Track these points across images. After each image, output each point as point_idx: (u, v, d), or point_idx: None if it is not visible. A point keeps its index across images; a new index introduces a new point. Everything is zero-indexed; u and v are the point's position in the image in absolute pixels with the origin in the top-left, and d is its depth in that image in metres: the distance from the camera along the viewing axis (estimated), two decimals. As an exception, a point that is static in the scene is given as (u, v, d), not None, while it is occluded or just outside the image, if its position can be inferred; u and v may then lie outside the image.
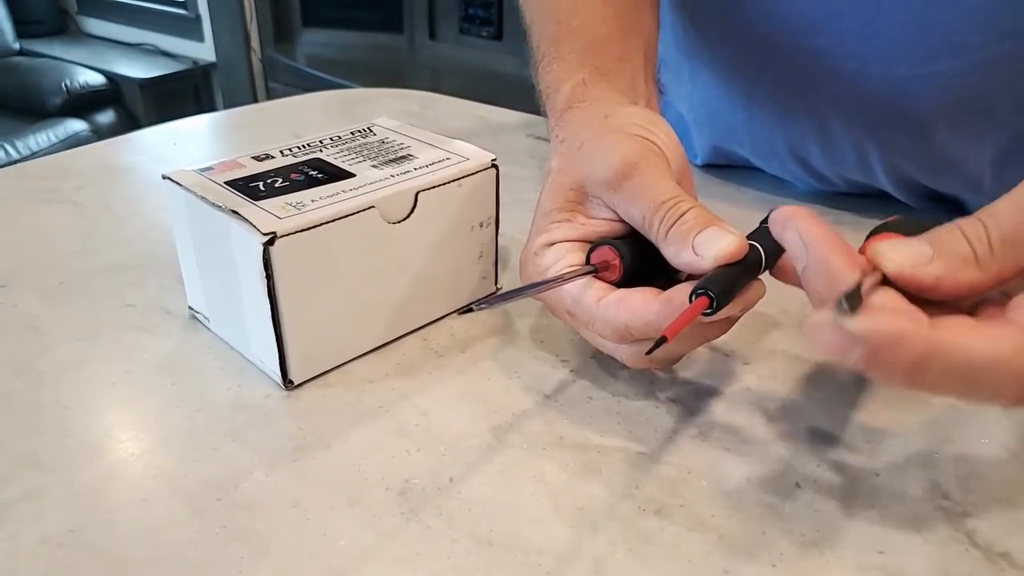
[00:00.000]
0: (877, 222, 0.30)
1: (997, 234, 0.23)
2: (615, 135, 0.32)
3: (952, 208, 0.50)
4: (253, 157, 0.37)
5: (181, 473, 0.29)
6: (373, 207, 0.33)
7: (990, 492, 0.29)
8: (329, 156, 0.37)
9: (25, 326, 0.38)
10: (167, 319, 0.38)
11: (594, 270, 0.31)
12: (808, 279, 0.25)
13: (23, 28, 2.75)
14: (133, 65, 2.64)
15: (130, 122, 2.55)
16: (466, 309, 0.27)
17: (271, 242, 0.30)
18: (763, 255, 0.29)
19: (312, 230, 0.31)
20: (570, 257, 0.31)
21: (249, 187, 0.34)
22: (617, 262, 0.30)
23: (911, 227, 0.27)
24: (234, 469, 0.29)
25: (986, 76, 0.42)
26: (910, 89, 0.43)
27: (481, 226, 0.38)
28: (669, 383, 0.34)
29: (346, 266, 0.33)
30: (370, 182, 0.34)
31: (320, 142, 0.39)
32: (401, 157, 0.37)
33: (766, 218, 0.32)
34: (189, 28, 2.70)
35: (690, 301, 0.27)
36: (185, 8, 2.68)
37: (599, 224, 0.32)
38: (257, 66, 2.57)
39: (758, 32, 0.45)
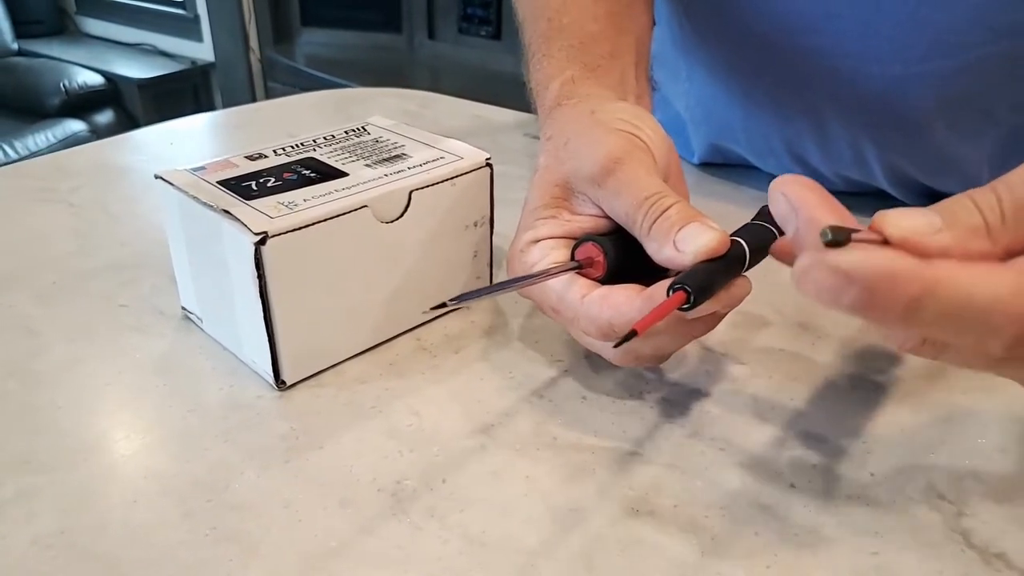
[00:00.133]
0: None
1: (1010, 203, 0.22)
2: (600, 130, 0.32)
3: None
4: (246, 156, 0.37)
5: (172, 474, 0.29)
6: (366, 206, 0.33)
7: (986, 492, 0.29)
8: (322, 155, 0.37)
9: (19, 326, 0.37)
10: (160, 319, 0.38)
11: (578, 266, 0.31)
12: (799, 245, 0.24)
13: (22, 28, 2.75)
14: (132, 65, 2.64)
15: (129, 122, 2.55)
16: (440, 305, 0.26)
17: (263, 242, 0.30)
18: (747, 251, 0.29)
19: (304, 229, 0.31)
20: (555, 254, 0.31)
21: (241, 187, 0.33)
22: (601, 258, 0.30)
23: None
24: (225, 470, 0.29)
25: (982, 75, 0.42)
26: (907, 88, 0.43)
27: (475, 225, 0.38)
28: (663, 383, 0.34)
29: (339, 266, 0.33)
30: (363, 181, 0.34)
31: (314, 141, 0.39)
32: (395, 156, 0.37)
33: (757, 214, 0.32)
34: (188, 28, 2.70)
35: (667, 296, 0.27)
36: (184, 8, 2.68)
37: (585, 220, 0.32)
38: (256, 66, 2.57)
39: (755, 31, 0.45)
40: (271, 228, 0.30)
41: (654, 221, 0.29)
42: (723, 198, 0.52)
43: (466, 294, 0.27)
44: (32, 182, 0.53)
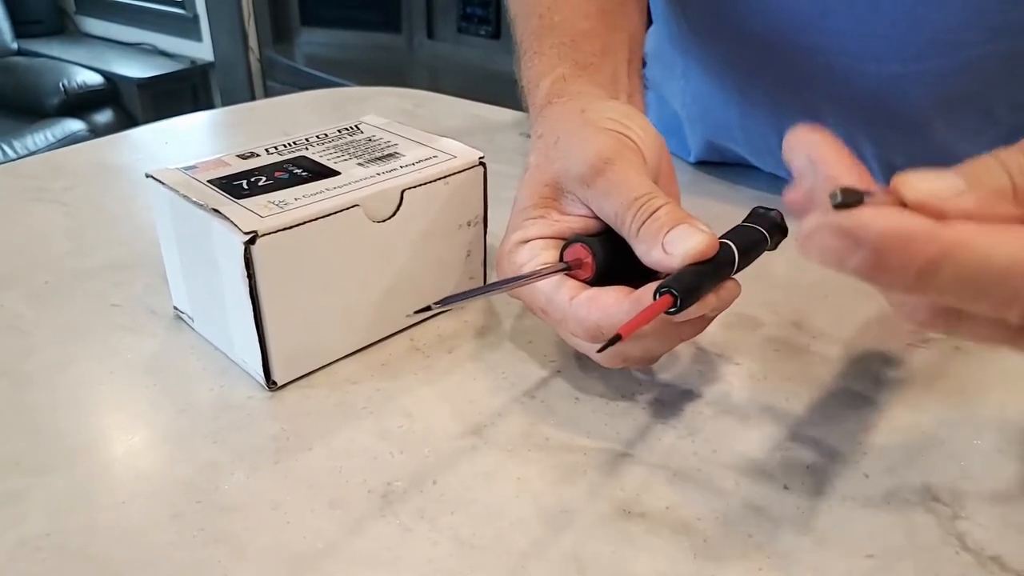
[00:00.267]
0: None
1: None
2: (590, 129, 0.32)
3: None
4: (238, 155, 0.37)
5: (162, 475, 0.29)
6: (357, 205, 0.33)
7: (982, 494, 0.28)
8: (314, 154, 0.37)
9: (10, 327, 0.37)
10: (152, 319, 0.38)
11: (566, 268, 0.30)
12: (814, 203, 0.23)
13: (21, 28, 2.75)
14: (131, 65, 2.64)
15: (128, 122, 2.54)
16: (424, 308, 0.26)
17: (252, 241, 0.30)
18: (736, 254, 0.28)
19: (294, 229, 0.31)
20: (544, 255, 0.31)
21: (232, 185, 0.33)
22: (590, 260, 0.30)
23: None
24: (215, 471, 0.29)
25: (979, 74, 0.41)
26: (904, 87, 0.43)
27: (469, 225, 0.38)
28: (657, 383, 0.34)
29: (330, 265, 0.33)
30: (355, 180, 0.34)
31: (306, 140, 0.38)
32: (388, 155, 0.37)
33: (748, 216, 0.32)
34: (187, 28, 2.70)
35: (654, 299, 0.26)
36: (183, 8, 2.68)
37: (574, 220, 0.32)
38: (255, 66, 2.57)
39: (752, 29, 0.45)
40: (261, 227, 0.30)
41: (643, 223, 0.28)
42: (719, 197, 0.52)
43: (451, 297, 0.27)
44: (25, 181, 0.53)
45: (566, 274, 0.30)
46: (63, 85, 2.43)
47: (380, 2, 2.33)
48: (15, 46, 2.70)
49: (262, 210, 0.31)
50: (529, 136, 0.64)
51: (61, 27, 2.97)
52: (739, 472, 0.29)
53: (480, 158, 0.37)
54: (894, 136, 0.45)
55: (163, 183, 0.34)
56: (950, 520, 0.27)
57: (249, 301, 0.31)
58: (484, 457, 0.30)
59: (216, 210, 0.31)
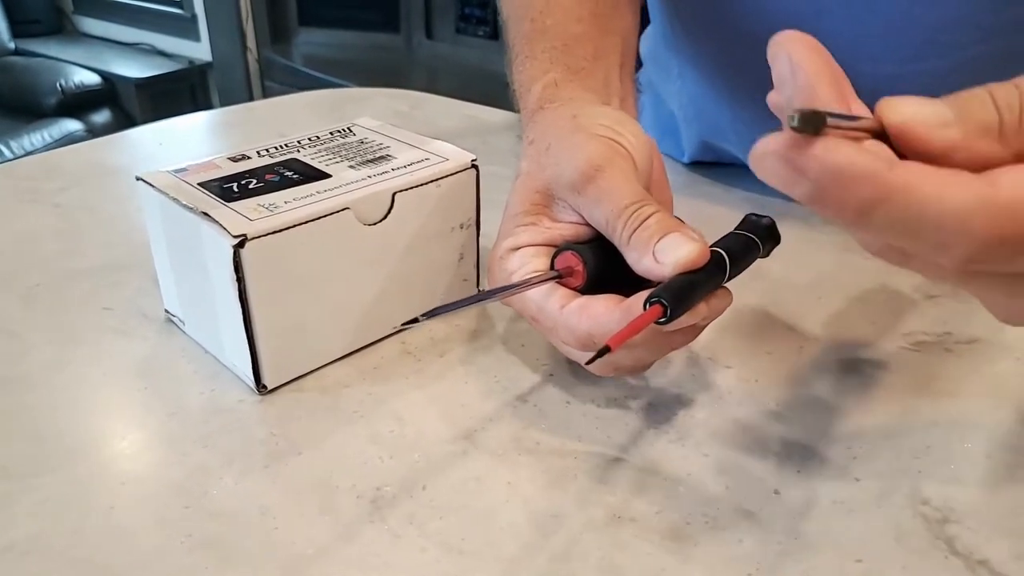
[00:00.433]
0: None
1: None
2: (581, 135, 0.31)
3: None
4: (229, 158, 0.36)
5: (150, 479, 0.29)
6: (348, 208, 0.33)
7: (971, 498, 0.28)
8: (306, 156, 0.37)
9: (0, 329, 0.37)
10: (143, 322, 0.38)
11: (557, 276, 0.30)
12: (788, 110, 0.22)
13: (19, 27, 2.75)
14: (129, 65, 2.63)
15: (126, 122, 2.54)
16: (412, 321, 0.26)
17: (241, 244, 0.30)
18: (728, 262, 0.28)
19: (284, 232, 0.31)
20: (535, 262, 0.31)
21: (223, 188, 0.33)
22: (580, 268, 0.30)
23: None
24: (203, 475, 0.29)
25: (975, 75, 0.41)
26: (899, 87, 0.42)
27: (462, 227, 0.38)
28: (648, 388, 0.34)
29: (320, 269, 0.33)
30: (346, 183, 0.34)
31: (298, 142, 0.38)
32: (379, 157, 0.37)
33: (740, 223, 0.32)
34: (185, 28, 2.70)
35: (644, 309, 0.26)
36: (181, 8, 2.68)
37: (565, 228, 0.31)
38: (253, 66, 2.57)
39: (744, 29, 0.45)
40: (250, 231, 0.30)
41: (634, 231, 0.28)
42: (714, 200, 0.52)
43: (439, 308, 0.26)
44: (19, 182, 0.52)
45: (557, 282, 0.30)
46: (61, 85, 2.43)
47: (378, 2, 2.33)
48: (12, 46, 2.70)
49: (251, 213, 0.31)
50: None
51: (59, 27, 2.96)
52: (730, 476, 0.29)
53: (472, 161, 0.37)
54: (889, 137, 0.45)
55: (153, 186, 0.34)
56: (940, 524, 0.27)
57: (238, 305, 0.31)
58: (474, 462, 0.30)
59: (205, 213, 0.31)
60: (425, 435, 0.31)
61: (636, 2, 0.42)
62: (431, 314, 0.26)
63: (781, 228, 0.32)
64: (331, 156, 0.37)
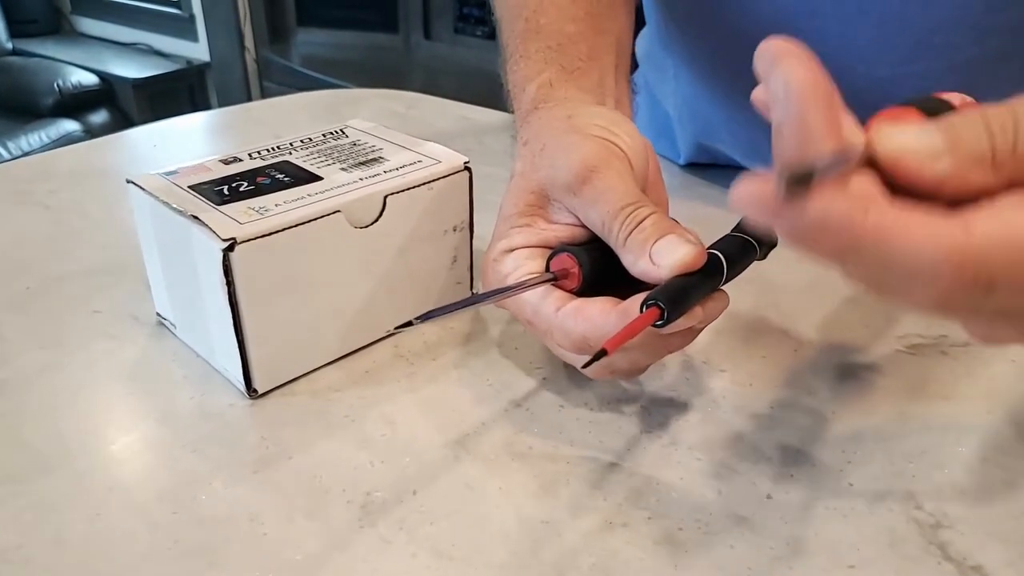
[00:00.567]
0: None
1: None
2: (576, 136, 0.31)
3: None
4: (220, 160, 0.36)
5: (138, 485, 0.29)
6: (339, 211, 0.32)
7: (965, 503, 0.28)
8: (298, 159, 0.36)
9: (-11, 333, 0.37)
10: (134, 325, 0.37)
11: (553, 278, 0.30)
12: (779, 135, 0.22)
13: (17, 27, 2.74)
14: (127, 65, 2.63)
15: (124, 122, 2.54)
16: (406, 324, 0.25)
17: (231, 248, 0.29)
18: (724, 265, 0.28)
19: (274, 235, 0.30)
20: (529, 264, 0.31)
21: (213, 191, 0.33)
22: (576, 270, 0.30)
23: (926, 103, 0.25)
24: (192, 481, 0.29)
25: (969, 76, 0.41)
26: (893, 89, 0.42)
27: (455, 230, 0.38)
28: (642, 391, 0.34)
29: (311, 272, 0.32)
30: (337, 185, 0.34)
31: (291, 144, 0.38)
32: (372, 160, 0.37)
33: (737, 225, 0.32)
34: (183, 28, 2.69)
35: (640, 312, 0.26)
36: (179, 8, 2.67)
37: (560, 229, 0.31)
38: (252, 66, 2.56)
39: (739, 30, 0.45)
40: (240, 234, 0.30)
41: (630, 232, 0.28)
42: (710, 201, 0.51)
43: (434, 311, 0.26)
44: (11, 184, 0.52)
45: (552, 284, 0.30)
46: (58, 85, 2.42)
47: (377, 2, 2.33)
48: (10, 46, 2.69)
49: (242, 216, 0.31)
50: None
51: (56, 27, 2.96)
52: (723, 481, 0.29)
53: (465, 163, 0.37)
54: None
55: (144, 189, 0.33)
56: (933, 529, 0.27)
57: (228, 309, 0.30)
58: (466, 467, 0.29)
59: (195, 216, 0.31)
60: (417, 440, 0.31)
61: (631, 2, 0.42)
62: (425, 317, 0.26)
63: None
64: (323, 158, 0.37)
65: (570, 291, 0.30)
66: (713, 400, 0.33)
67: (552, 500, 0.28)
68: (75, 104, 2.45)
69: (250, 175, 0.35)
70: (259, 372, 0.32)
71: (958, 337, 0.37)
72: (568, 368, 0.35)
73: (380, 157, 0.37)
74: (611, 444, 0.31)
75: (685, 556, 0.26)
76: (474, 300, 0.29)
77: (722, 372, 0.35)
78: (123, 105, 2.59)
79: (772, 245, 0.32)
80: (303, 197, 0.33)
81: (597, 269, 0.30)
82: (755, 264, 0.31)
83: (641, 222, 0.28)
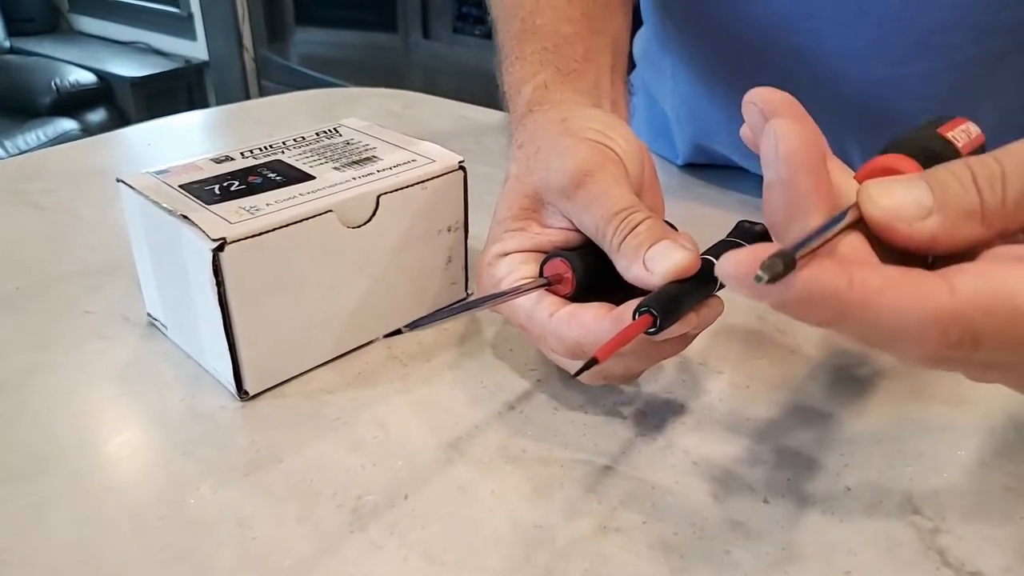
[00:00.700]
0: None
1: (1018, 185, 0.20)
2: (570, 140, 0.31)
3: None
4: (212, 159, 0.36)
5: (127, 488, 0.28)
6: (331, 211, 0.32)
7: (963, 507, 0.28)
8: (290, 158, 0.36)
9: (-21, 333, 0.37)
10: (125, 326, 0.37)
11: (546, 283, 0.29)
12: (769, 196, 0.22)
13: (14, 26, 2.74)
14: (125, 63, 2.62)
15: (121, 121, 2.53)
16: (395, 332, 0.25)
17: (221, 248, 0.29)
18: None
19: (265, 235, 0.30)
20: (523, 269, 0.30)
21: (204, 191, 0.33)
22: (570, 275, 0.29)
23: (925, 142, 0.25)
24: (181, 484, 0.28)
25: (966, 76, 0.41)
26: (890, 90, 0.42)
27: (449, 230, 0.37)
28: (638, 394, 0.33)
29: (303, 273, 0.32)
30: (330, 185, 0.33)
31: (283, 143, 0.38)
32: (365, 159, 0.36)
33: (732, 231, 0.31)
34: (181, 26, 2.69)
35: (633, 319, 0.26)
36: (177, 6, 2.67)
37: (554, 233, 0.31)
38: (250, 65, 2.56)
39: (735, 30, 0.45)
40: (230, 234, 0.29)
41: (624, 238, 0.28)
42: (708, 201, 0.51)
43: (424, 318, 0.26)
44: (2, 184, 0.52)
45: (546, 289, 0.30)
46: (56, 84, 2.42)
47: (375, 2, 2.33)
48: (7, 44, 2.69)
49: (232, 216, 0.30)
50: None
51: (54, 25, 2.95)
52: (719, 485, 0.29)
53: (460, 162, 0.36)
54: (881, 140, 0.45)
55: (134, 188, 0.33)
56: (931, 534, 0.27)
57: (218, 309, 0.30)
58: (459, 470, 0.29)
59: (185, 216, 0.30)
60: (409, 442, 0.30)
61: (628, 2, 0.42)
62: (414, 325, 0.26)
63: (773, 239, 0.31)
64: (316, 157, 0.36)
65: (564, 296, 0.30)
66: (710, 403, 0.33)
67: (546, 504, 0.28)
68: (73, 103, 2.44)
69: (241, 174, 0.34)
70: (250, 374, 0.32)
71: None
72: (562, 371, 0.34)
73: (373, 156, 0.36)
74: (606, 447, 0.30)
75: (680, 561, 0.26)
76: (466, 306, 0.29)
77: (719, 374, 0.34)
78: (121, 104, 2.58)
79: None
80: (295, 196, 0.32)
81: (591, 274, 0.29)
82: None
83: (635, 227, 0.28)
